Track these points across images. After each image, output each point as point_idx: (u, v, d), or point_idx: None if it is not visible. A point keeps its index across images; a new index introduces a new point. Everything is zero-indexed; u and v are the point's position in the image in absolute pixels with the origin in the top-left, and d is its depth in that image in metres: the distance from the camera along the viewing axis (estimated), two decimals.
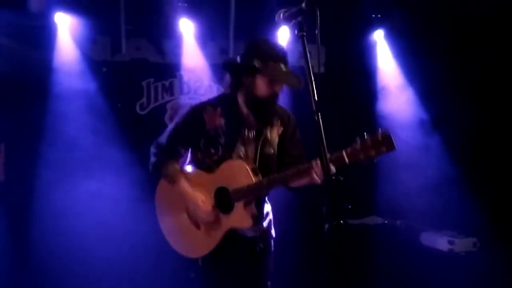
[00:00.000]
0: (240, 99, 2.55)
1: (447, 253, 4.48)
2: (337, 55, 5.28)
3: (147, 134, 2.68)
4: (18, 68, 4.40)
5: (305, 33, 2.03)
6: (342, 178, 1.74)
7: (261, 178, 2.46)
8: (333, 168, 2.18)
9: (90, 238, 4.37)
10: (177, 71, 5.04)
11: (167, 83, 5.11)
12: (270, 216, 2.78)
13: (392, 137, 2.09)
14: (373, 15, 5.14)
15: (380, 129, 2.13)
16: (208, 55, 5.02)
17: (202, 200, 2.54)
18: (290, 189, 2.61)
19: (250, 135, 2.58)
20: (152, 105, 5.09)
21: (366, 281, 4.54)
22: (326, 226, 1.73)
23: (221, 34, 4.96)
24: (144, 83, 5.06)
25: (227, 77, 2.59)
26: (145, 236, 4.10)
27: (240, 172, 2.47)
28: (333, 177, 1.77)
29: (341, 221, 1.71)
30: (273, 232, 2.79)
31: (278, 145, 2.64)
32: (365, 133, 2.16)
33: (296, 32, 2.04)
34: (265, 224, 2.70)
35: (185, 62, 4.92)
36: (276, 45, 2.51)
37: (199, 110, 2.58)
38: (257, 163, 2.55)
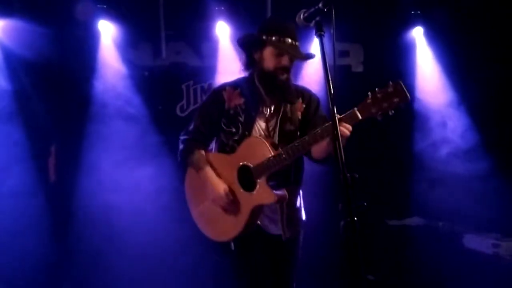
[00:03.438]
0: (256, 77, 2.64)
1: (492, 257, 4.30)
2: (375, 54, 5.22)
3: None
4: (64, 75, 4.67)
5: (323, 33, 2.03)
6: (357, 175, 1.73)
7: (280, 151, 2.48)
8: (349, 127, 2.19)
9: (129, 232, 4.54)
10: (215, 73, 5.14)
11: (205, 85, 5.23)
12: (301, 202, 2.78)
13: (403, 86, 2.04)
14: (412, 12, 5.02)
15: (390, 82, 2.09)
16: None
17: (223, 189, 2.58)
18: (318, 161, 2.62)
19: (269, 113, 2.65)
20: (191, 107, 5.22)
21: (406, 284, 4.46)
22: (342, 223, 1.73)
23: None
24: (183, 86, 5.21)
25: (242, 56, 2.69)
26: (180, 237, 4.22)
27: (259, 148, 2.52)
28: (348, 175, 1.76)
29: (355, 218, 1.71)
30: (303, 215, 2.77)
31: (302, 122, 2.68)
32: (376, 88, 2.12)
33: (315, 32, 2.05)
34: (294, 218, 2.70)
35: (222, 65, 5.01)
36: (284, 20, 2.55)
37: (219, 90, 2.70)
38: (277, 140, 2.60)
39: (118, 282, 4.19)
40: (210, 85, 5.20)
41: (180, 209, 2.99)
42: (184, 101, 5.21)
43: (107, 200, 4.58)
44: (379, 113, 2.11)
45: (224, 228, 2.65)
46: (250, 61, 2.65)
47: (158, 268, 4.41)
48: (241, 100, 2.63)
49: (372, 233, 4.54)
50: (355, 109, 2.20)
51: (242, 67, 2.71)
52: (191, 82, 5.22)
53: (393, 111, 2.08)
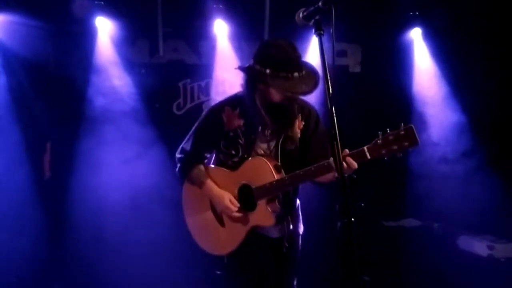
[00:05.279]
0: (258, 101, 2.51)
1: (486, 259, 4.31)
2: (373, 54, 5.22)
3: (183, 133, 2.75)
4: (60, 71, 4.64)
5: (323, 32, 2.01)
6: (355, 176, 1.73)
7: (283, 175, 2.47)
8: (355, 164, 2.18)
9: (123, 229, 4.53)
10: (212, 71, 5.12)
11: (203, 83, 5.22)
12: (299, 215, 2.79)
13: (414, 131, 2.05)
14: (411, 13, 5.02)
15: (402, 124, 2.09)
16: (243, 56, 5.07)
17: (230, 199, 2.58)
18: (318, 184, 2.60)
19: (270, 134, 2.59)
20: (188, 105, 5.21)
21: (401, 285, 4.47)
22: (339, 224, 1.73)
23: (255, 35, 5.00)
24: (180, 84, 5.19)
25: (244, 78, 2.58)
26: (176, 238, 4.19)
27: (262, 169, 2.50)
28: (346, 175, 1.75)
29: (352, 219, 1.70)
30: (300, 229, 2.79)
31: (300, 140, 2.63)
32: (388, 129, 2.12)
33: (314, 31, 2.04)
34: (292, 224, 2.69)
35: (219, 63, 4.99)
36: (288, 50, 2.35)
37: (218, 112, 2.60)
38: (278, 160, 2.56)
39: (112, 280, 4.17)
40: (207, 83, 5.20)
41: (176, 207, 2.98)
42: (181, 99, 5.20)
43: (101, 196, 4.57)
44: (388, 154, 2.12)
45: (220, 243, 2.66)
46: (252, 87, 2.49)
47: (154, 266, 4.39)
48: (240, 122, 2.55)
49: (368, 234, 4.54)
50: (365, 148, 2.19)
51: (244, 90, 2.56)
52: (188, 80, 5.20)
53: (400, 154, 2.10)
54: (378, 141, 2.14)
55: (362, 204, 1.71)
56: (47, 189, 4.76)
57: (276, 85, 2.35)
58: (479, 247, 4.39)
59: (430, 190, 4.87)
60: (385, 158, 2.14)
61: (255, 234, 2.61)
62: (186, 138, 2.69)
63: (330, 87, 1.91)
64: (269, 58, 2.36)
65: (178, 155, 2.70)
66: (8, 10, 4.42)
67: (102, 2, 4.61)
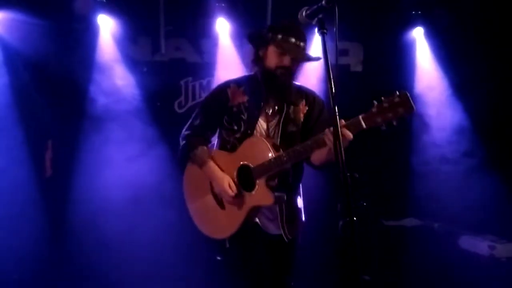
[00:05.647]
0: (259, 76, 2.64)
1: (488, 258, 4.31)
2: (374, 53, 5.21)
3: None
4: (62, 69, 4.64)
5: (326, 30, 2.01)
6: (357, 175, 1.72)
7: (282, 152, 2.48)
8: (350, 135, 2.18)
9: (125, 228, 4.52)
10: (214, 70, 5.12)
11: (204, 82, 5.21)
12: (301, 202, 2.77)
13: (409, 97, 2.04)
14: (413, 12, 5.01)
15: (397, 91, 2.08)
16: (245, 55, 5.06)
17: (229, 182, 2.58)
18: (316, 167, 2.62)
19: (271, 112, 2.64)
20: (189, 104, 5.20)
21: (402, 285, 4.47)
22: (340, 223, 1.72)
23: None
24: (182, 82, 5.19)
25: (251, 50, 2.68)
26: (177, 235, 4.21)
27: (260, 148, 2.52)
28: (348, 174, 1.75)
29: (354, 218, 1.70)
30: (302, 216, 2.76)
31: (303, 124, 2.67)
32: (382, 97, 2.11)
33: (317, 29, 2.03)
34: (290, 208, 2.68)
35: (221, 62, 4.99)
36: (292, 21, 2.49)
37: (223, 87, 2.70)
38: (278, 141, 2.59)
39: (114, 278, 4.17)
40: (209, 81, 5.19)
41: (178, 205, 2.98)
42: (182, 98, 5.19)
43: (103, 195, 4.57)
44: (384, 122, 2.10)
45: (220, 226, 2.65)
46: (256, 57, 2.64)
47: (155, 265, 4.39)
48: (244, 98, 2.63)
49: (369, 233, 4.54)
50: (360, 117, 2.18)
51: (249, 63, 2.72)
52: (190, 79, 5.20)
53: (397, 122, 2.08)
54: (373, 109, 2.13)
55: (364, 204, 1.71)
56: (48, 187, 4.75)
57: (286, 47, 2.48)
58: (480, 247, 4.38)
59: (431, 190, 4.86)
60: (382, 128, 2.12)
61: (254, 230, 2.61)
62: (193, 115, 2.74)
63: (333, 86, 1.90)
64: (281, 26, 2.56)
65: (185, 132, 2.73)
66: (10, 8, 4.42)
67: (104, 0, 4.61)
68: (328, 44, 2.00)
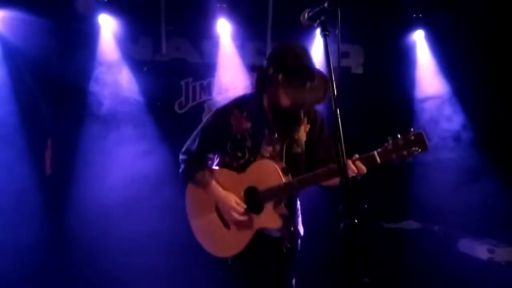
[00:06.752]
0: (265, 102, 2.51)
1: (486, 262, 4.31)
2: (375, 56, 5.21)
3: (185, 132, 2.73)
4: (63, 68, 4.64)
5: (328, 33, 2.00)
6: (359, 178, 1.72)
7: (290, 177, 2.46)
8: (364, 169, 2.18)
9: (125, 226, 4.51)
10: (215, 71, 5.12)
11: (205, 82, 5.21)
12: (299, 216, 2.78)
13: (425, 136, 2.06)
14: (414, 15, 5.02)
15: (412, 129, 2.11)
16: (245, 56, 5.07)
17: (236, 201, 2.55)
18: (324, 188, 2.57)
19: (276, 136, 2.56)
20: (190, 104, 5.20)
21: (401, 287, 4.46)
22: (342, 225, 1.72)
23: (258, 35, 5.01)
24: (182, 83, 5.18)
25: (254, 78, 2.56)
26: (177, 236, 4.18)
27: (269, 172, 2.47)
28: (350, 176, 1.74)
29: (356, 220, 1.70)
30: (301, 230, 2.77)
31: (306, 143, 2.61)
32: (398, 134, 2.13)
33: (319, 31, 2.03)
34: (293, 225, 2.68)
35: (222, 63, 4.99)
36: (303, 58, 2.34)
37: (226, 114, 2.57)
38: (283, 162, 2.54)
39: (114, 277, 4.16)
40: (209, 82, 5.19)
41: (178, 205, 2.97)
42: (182, 98, 5.19)
43: (102, 194, 4.56)
44: (398, 159, 2.13)
45: (225, 245, 2.63)
46: (262, 89, 2.47)
47: (155, 263, 4.38)
48: (248, 125, 2.53)
49: (368, 235, 4.53)
50: (375, 152, 2.19)
51: (253, 89, 2.55)
52: (191, 79, 5.19)
53: (410, 159, 2.11)
54: (388, 146, 2.15)
55: (366, 206, 1.71)
56: (47, 186, 4.74)
57: (288, 92, 2.34)
58: (480, 250, 4.40)
59: (431, 193, 4.87)
60: (395, 164, 2.14)
61: (257, 234, 2.58)
62: (191, 139, 2.64)
63: (335, 89, 1.90)
64: (283, 64, 2.33)
65: (182, 157, 2.66)
66: (11, 7, 4.41)
67: (105, 0, 4.61)
68: (330, 46, 1.99)
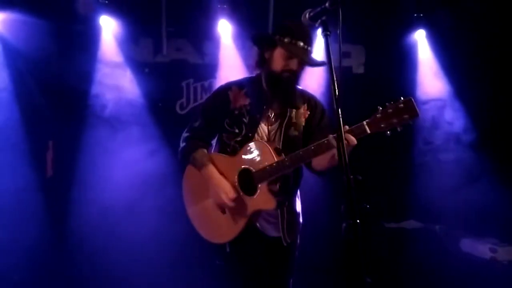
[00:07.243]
0: (263, 77, 2.58)
1: (489, 261, 4.31)
2: (376, 55, 5.21)
3: None
4: (64, 70, 4.65)
5: (329, 32, 2.01)
6: (360, 178, 1.72)
7: (283, 157, 2.45)
8: (354, 140, 2.17)
9: (126, 227, 4.53)
10: (216, 72, 5.12)
11: (206, 83, 5.21)
12: (297, 201, 2.76)
13: (414, 103, 2.03)
14: (415, 14, 5.02)
15: (402, 97, 2.08)
16: (246, 57, 5.07)
17: (228, 187, 2.54)
18: (317, 173, 2.60)
19: (273, 116, 2.60)
20: (191, 105, 5.20)
21: (403, 287, 4.46)
22: (344, 225, 1.72)
23: None
24: (184, 84, 5.19)
25: (254, 53, 2.62)
26: (178, 237, 4.20)
27: (262, 152, 2.49)
28: (352, 177, 1.74)
29: (358, 221, 1.70)
30: (300, 217, 2.75)
31: (305, 129, 2.64)
32: (386, 103, 2.11)
33: (321, 31, 2.03)
34: (290, 212, 2.67)
35: (223, 63, 4.99)
36: (300, 24, 2.34)
37: (225, 89, 2.64)
38: (280, 145, 2.56)
39: (115, 277, 4.16)
40: (210, 83, 5.19)
41: (179, 206, 2.97)
42: (184, 99, 5.19)
43: (104, 195, 4.57)
44: (388, 128, 2.10)
45: (221, 230, 2.62)
46: (261, 59, 2.57)
47: (157, 264, 4.38)
48: (246, 101, 2.58)
49: (369, 235, 4.53)
50: (364, 122, 2.18)
51: (253, 65, 2.65)
52: (192, 80, 5.20)
53: (401, 127, 2.08)
54: (378, 115, 2.12)
55: (367, 206, 1.70)
56: (49, 187, 4.75)
57: (294, 51, 2.44)
58: (482, 249, 4.39)
59: (432, 192, 4.87)
60: (386, 134, 2.11)
61: (253, 232, 2.59)
62: (193, 117, 2.70)
63: (336, 88, 1.90)
64: (289, 28, 2.48)
65: (185, 134, 2.69)
66: (12, 8, 4.42)
67: (106, 1, 4.62)
68: (331, 46, 2.00)
